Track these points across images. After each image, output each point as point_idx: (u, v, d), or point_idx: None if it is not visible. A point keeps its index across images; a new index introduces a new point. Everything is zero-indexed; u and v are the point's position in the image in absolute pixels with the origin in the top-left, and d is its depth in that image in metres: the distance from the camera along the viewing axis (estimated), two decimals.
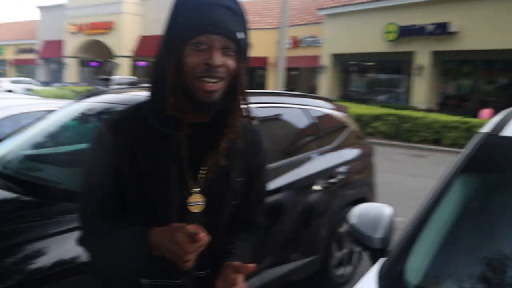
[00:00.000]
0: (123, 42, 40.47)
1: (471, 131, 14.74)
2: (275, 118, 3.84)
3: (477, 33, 20.81)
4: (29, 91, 29.85)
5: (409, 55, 24.31)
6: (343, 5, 27.09)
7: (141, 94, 3.40)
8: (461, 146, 14.35)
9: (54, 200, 2.66)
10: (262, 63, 32.77)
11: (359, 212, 2.05)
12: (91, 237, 1.42)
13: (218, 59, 1.29)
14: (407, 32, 23.64)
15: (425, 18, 22.58)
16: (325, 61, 28.44)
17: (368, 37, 25.23)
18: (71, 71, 44.91)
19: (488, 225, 1.84)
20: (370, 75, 29.50)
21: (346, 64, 29.42)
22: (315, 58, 29.71)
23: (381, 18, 24.54)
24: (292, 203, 3.58)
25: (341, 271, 4.34)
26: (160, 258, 1.30)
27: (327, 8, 28.17)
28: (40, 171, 3.26)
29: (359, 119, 16.92)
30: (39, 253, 2.19)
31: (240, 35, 1.33)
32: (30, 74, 48.25)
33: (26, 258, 2.16)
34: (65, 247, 2.23)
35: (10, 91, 29.66)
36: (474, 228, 1.84)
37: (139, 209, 1.41)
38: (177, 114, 1.35)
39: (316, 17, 30.12)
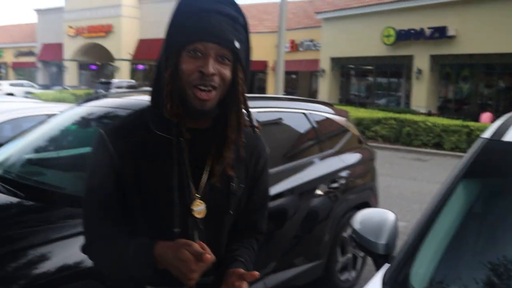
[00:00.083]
0: (122, 45, 40.50)
1: (471, 135, 14.76)
2: (277, 123, 3.84)
3: (475, 37, 20.85)
4: (29, 94, 29.84)
5: (407, 59, 24.36)
6: (340, 9, 27.14)
7: (142, 99, 3.42)
8: (462, 150, 14.42)
9: (56, 205, 2.66)
10: (261, 67, 32.84)
11: (362, 217, 2.05)
12: (94, 245, 1.41)
13: (212, 67, 1.29)
14: (405, 36, 23.70)
15: (424, 22, 22.63)
16: (324, 65, 28.49)
17: (367, 41, 25.27)
18: (71, 74, 44.93)
19: (492, 230, 1.84)
20: (369, 79, 29.57)
21: (345, 68, 29.47)
22: (314, 62, 29.76)
23: (379, 22, 24.59)
24: (294, 208, 3.57)
25: (345, 276, 4.34)
26: (164, 271, 1.30)
27: (325, 12, 28.22)
28: (42, 176, 3.26)
29: (359, 123, 16.95)
30: (43, 258, 2.19)
31: (238, 44, 1.32)
32: (30, 77, 48.26)
33: (30, 263, 2.16)
34: (69, 252, 2.23)
35: (11, 94, 29.67)
36: (478, 233, 1.84)
37: (141, 215, 1.41)
38: (177, 119, 1.35)
39: (315, 21, 30.18)
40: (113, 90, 28.44)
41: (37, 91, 33.52)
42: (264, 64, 32.84)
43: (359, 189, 4.49)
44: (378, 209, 2.13)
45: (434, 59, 23.31)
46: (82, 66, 46.96)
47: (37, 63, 49.38)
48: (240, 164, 1.49)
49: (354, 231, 2.01)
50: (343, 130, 4.61)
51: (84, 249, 1.44)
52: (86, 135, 3.58)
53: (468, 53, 21.83)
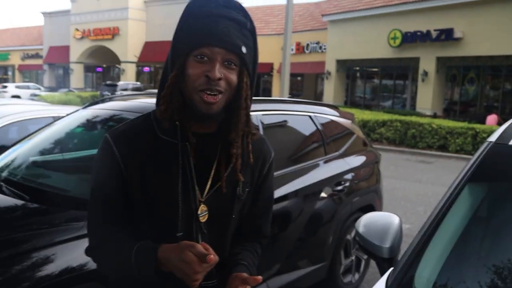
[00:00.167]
0: (128, 47, 40.67)
1: (477, 137, 14.71)
2: (282, 126, 3.84)
3: (481, 39, 20.81)
4: (34, 97, 29.98)
5: (413, 61, 24.34)
6: (347, 12, 27.15)
7: (147, 101, 3.43)
8: (468, 152, 14.37)
9: (61, 208, 2.66)
10: (267, 69, 32.89)
11: (367, 221, 2.04)
12: (99, 248, 1.42)
13: (218, 71, 1.28)
14: (411, 38, 23.68)
15: (430, 24, 22.61)
16: (330, 67, 28.49)
17: (373, 43, 25.27)
18: (77, 77, 45.13)
19: (497, 234, 1.83)
20: (374, 81, 29.57)
21: (351, 70, 29.48)
22: (320, 64, 29.78)
23: (385, 24, 24.59)
24: (298, 210, 3.57)
25: (348, 278, 4.33)
26: (168, 274, 1.30)
27: (331, 14, 28.23)
28: (47, 178, 3.27)
29: (364, 125, 16.94)
30: (47, 261, 2.19)
31: (244, 49, 1.32)
32: (36, 80, 48.54)
33: (34, 266, 2.16)
34: (73, 254, 2.23)
35: (17, 96, 29.80)
36: (483, 237, 1.83)
37: (146, 219, 1.41)
38: (181, 124, 1.36)
39: (321, 23, 30.21)
40: (118, 92, 28.54)
41: (43, 93, 33.68)
42: (269, 66, 32.87)
43: (364, 191, 4.48)
44: (382, 213, 2.12)
45: (440, 61, 23.28)
46: (88, 69, 47.19)
47: (43, 66, 49.63)
48: (246, 168, 1.49)
49: (359, 234, 2.00)
50: (348, 133, 4.61)
51: (88, 252, 1.45)
52: (92, 138, 3.59)
53: (475, 55, 21.79)
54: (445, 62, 23.49)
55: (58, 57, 47.05)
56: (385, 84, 28.84)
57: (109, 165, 1.39)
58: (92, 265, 1.92)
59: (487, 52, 21.09)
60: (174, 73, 1.32)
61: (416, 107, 24.13)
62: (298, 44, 31.37)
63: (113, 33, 41.33)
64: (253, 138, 1.45)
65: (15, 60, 53.27)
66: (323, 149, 4.09)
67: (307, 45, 31.44)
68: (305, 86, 34.54)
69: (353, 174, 4.26)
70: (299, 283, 3.70)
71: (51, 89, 41.35)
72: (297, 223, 3.56)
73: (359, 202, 4.32)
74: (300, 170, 3.71)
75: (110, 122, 3.47)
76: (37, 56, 50.46)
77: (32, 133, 3.80)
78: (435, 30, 22.49)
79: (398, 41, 24.22)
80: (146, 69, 43.68)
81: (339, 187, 4.01)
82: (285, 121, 3.89)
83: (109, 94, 28.18)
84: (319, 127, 4.12)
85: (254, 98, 1.46)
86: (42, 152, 3.56)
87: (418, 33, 23.31)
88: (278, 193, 3.20)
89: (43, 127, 3.82)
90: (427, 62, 23.39)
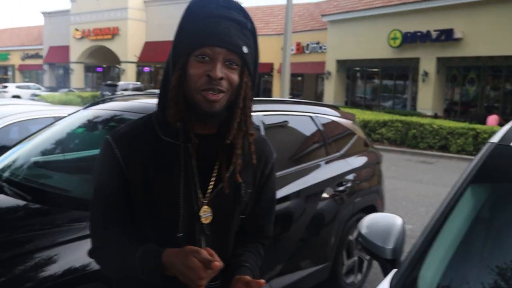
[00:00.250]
0: (128, 47, 40.69)
1: (478, 137, 14.71)
2: (283, 126, 3.84)
3: (482, 40, 20.81)
4: (35, 97, 29.98)
5: (414, 61, 24.34)
6: (347, 12, 27.14)
7: (148, 102, 3.43)
8: (469, 152, 14.38)
9: (63, 208, 2.66)
10: (267, 69, 32.89)
11: (370, 222, 2.04)
12: (101, 250, 1.42)
13: (220, 71, 1.29)
14: (411, 39, 23.68)
15: (430, 24, 22.61)
16: (330, 67, 28.49)
17: (373, 44, 25.27)
18: (77, 77, 45.15)
19: (500, 235, 1.83)
20: (375, 81, 29.57)
21: (351, 70, 29.48)
22: (320, 64, 29.79)
23: (386, 24, 24.58)
24: (300, 211, 3.57)
25: (351, 279, 4.33)
26: (172, 278, 1.29)
27: (331, 14, 28.23)
28: (49, 178, 3.27)
29: (365, 125, 16.94)
30: (49, 261, 2.20)
31: (246, 49, 1.33)
32: (36, 80, 48.54)
33: (37, 266, 2.16)
34: (76, 255, 2.24)
35: (17, 96, 29.80)
36: (486, 238, 1.83)
37: (148, 220, 1.41)
38: (183, 125, 1.35)
39: (321, 23, 30.22)
40: (119, 92, 28.54)
41: (43, 93, 33.67)
42: (269, 66, 32.89)
43: (365, 192, 4.48)
44: (385, 214, 2.12)
45: (441, 61, 23.28)
46: (88, 69, 47.21)
47: (43, 66, 49.64)
48: (248, 169, 1.48)
49: (361, 235, 2.00)
50: (350, 133, 4.61)
51: (91, 254, 1.45)
52: (93, 138, 3.59)
53: (475, 55, 21.79)
54: (445, 63, 23.49)
55: (58, 57, 47.07)
56: (386, 85, 28.84)
57: (110, 167, 1.39)
58: (95, 265, 1.92)
59: (487, 52, 21.08)
60: (176, 74, 1.32)
61: (417, 108, 24.13)
62: (298, 44, 31.38)
63: (113, 33, 41.33)
64: (250, 138, 1.44)
65: (15, 60, 53.29)
66: (325, 150, 4.10)
67: (307, 45, 31.45)
68: (305, 86, 34.55)
69: (354, 174, 4.26)
70: (302, 284, 3.70)
71: (51, 89, 41.37)
72: (299, 224, 3.56)
73: (361, 202, 4.32)
74: (302, 170, 3.71)
75: (111, 122, 3.48)
76: (37, 56, 50.47)
77: (33, 134, 3.80)
78: (435, 31, 22.49)
79: (398, 42, 24.22)
80: (146, 69, 43.70)
81: (341, 188, 4.01)
82: (286, 121, 3.89)
83: (109, 94, 28.17)
84: (320, 127, 4.12)
85: (255, 98, 1.45)
86: (44, 153, 3.56)
87: (418, 34, 23.30)
88: (280, 193, 3.20)
89: (44, 128, 3.82)
90: (427, 63, 23.39)
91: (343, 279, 4.20)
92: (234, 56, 1.31)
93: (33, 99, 24.79)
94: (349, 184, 4.13)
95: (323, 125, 4.18)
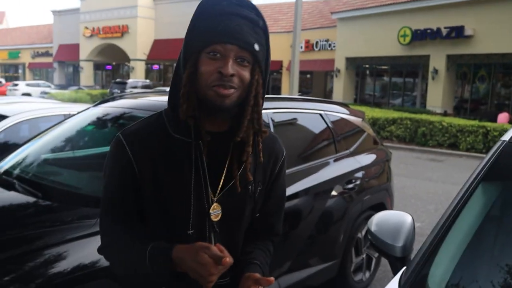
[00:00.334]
0: (137, 45, 40.77)
1: (488, 135, 14.61)
2: (293, 123, 3.84)
3: (492, 37, 20.64)
4: (45, 94, 30.16)
5: (423, 58, 24.19)
6: (356, 9, 27.03)
7: (157, 99, 3.44)
8: (478, 150, 14.28)
9: (72, 205, 2.68)
10: (276, 66, 32.85)
11: (379, 219, 2.04)
12: (111, 247, 1.42)
13: (231, 68, 1.29)
14: (421, 36, 23.52)
15: (440, 21, 22.45)
16: (339, 64, 28.40)
17: (382, 41, 25.15)
18: (86, 75, 45.35)
19: (511, 233, 1.81)
20: (384, 79, 29.43)
21: (360, 68, 29.37)
22: (329, 61, 29.70)
23: (395, 21, 24.45)
24: (309, 208, 3.57)
25: (359, 276, 4.32)
26: (182, 274, 1.30)
27: (340, 12, 28.13)
28: (59, 176, 3.29)
29: (374, 123, 16.88)
30: (59, 258, 2.21)
31: (257, 46, 1.33)
32: (46, 78, 48.82)
33: (47, 263, 2.17)
34: (85, 251, 2.24)
35: (28, 94, 29.99)
36: (497, 236, 1.82)
37: (158, 217, 1.41)
38: (194, 122, 1.35)
39: (330, 21, 30.12)
40: (128, 90, 28.63)
41: (53, 91, 33.86)
42: (279, 63, 32.85)
43: (375, 190, 4.46)
44: (395, 211, 2.11)
45: (451, 59, 23.12)
46: (98, 67, 47.41)
47: (53, 64, 49.91)
48: (258, 167, 1.48)
49: (371, 233, 1.99)
50: (359, 131, 4.59)
51: (101, 250, 1.45)
52: (103, 135, 3.61)
53: (486, 53, 21.61)
54: (455, 60, 23.33)
55: (68, 55, 47.29)
56: (395, 82, 28.71)
57: (121, 164, 1.39)
58: (104, 262, 1.92)
59: (498, 49, 20.91)
60: (188, 71, 1.32)
61: (426, 105, 23.99)
62: (307, 41, 31.30)
63: (122, 31, 41.44)
64: (263, 136, 1.44)
65: (26, 58, 53.60)
66: (334, 147, 4.09)
67: (316, 42, 31.36)
68: (314, 83, 34.48)
69: (364, 172, 4.25)
70: (310, 281, 3.70)
71: (61, 87, 41.54)
72: (308, 221, 3.56)
73: (370, 200, 4.31)
74: (311, 168, 3.71)
75: (121, 120, 3.49)
76: (47, 54, 50.74)
77: (44, 131, 3.82)
78: (445, 28, 22.33)
79: (408, 39, 24.07)
80: (155, 67, 43.80)
81: (350, 185, 4.00)
82: (296, 119, 3.88)
83: (118, 92, 28.29)
84: (330, 125, 4.11)
85: (266, 96, 1.45)
86: (54, 150, 3.58)
87: (428, 31, 23.15)
88: (289, 191, 3.18)
89: (54, 125, 3.84)
90: (437, 60, 23.24)
91: (352, 276, 4.20)
92: (246, 54, 1.31)
93: (43, 97, 24.94)
94: (358, 182, 4.11)
95: (333, 122, 4.17)
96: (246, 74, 1.33)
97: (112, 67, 47.90)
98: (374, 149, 4.74)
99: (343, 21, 27.96)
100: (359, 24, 26.68)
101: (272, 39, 1.39)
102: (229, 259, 1.21)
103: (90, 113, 3.74)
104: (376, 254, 4.47)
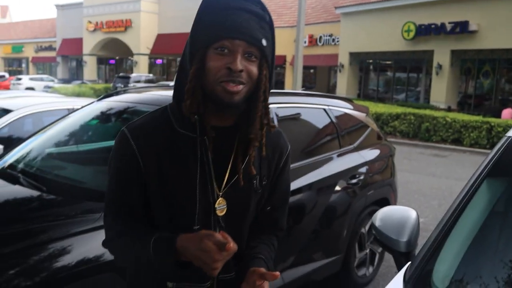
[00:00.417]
0: (141, 40, 40.75)
1: (492, 131, 14.57)
2: (297, 118, 3.84)
3: (497, 32, 20.54)
4: (48, 89, 30.19)
5: (427, 54, 24.11)
6: (360, 4, 26.93)
7: (161, 94, 3.44)
8: (482, 146, 14.24)
9: (77, 199, 2.68)
10: (279, 61, 32.77)
11: (384, 215, 2.03)
12: (115, 240, 1.42)
13: (240, 63, 1.28)
14: (425, 31, 23.43)
15: (444, 16, 22.35)
16: (343, 59, 28.33)
17: (386, 36, 25.06)
18: (90, 69, 45.35)
19: None
20: (388, 74, 29.36)
21: (364, 63, 29.30)
22: (333, 56, 29.62)
23: (399, 16, 24.35)
24: (313, 203, 3.57)
25: (362, 271, 4.33)
26: (186, 263, 1.30)
27: (344, 6, 28.03)
28: (63, 170, 3.30)
29: (377, 118, 16.85)
30: (64, 252, 2.22)
31: (265, 41, 1.33)
32: (49, 72, 48.85)
33: (52, 256, 2.18)
34: (90, 245, 2.25)
35: (32, 88, 30.04)
36: (501, 232, 1.81)
37: (164, 212, 1.41)
38: (199, 117, 1.35)
39: (334, 16, 30.01)
40: (131, 84, 28.65)
41: (56, 85, 33.89)
42: (282, 58, 32.77)
43: (378, 185, 4.46)
44: (399, 207, 2.11)
45: (455, 54, 23.04)
46: (101, 61, 47.42)
47: (56, 58, 49.94)
48: (263, 161, 1.48)
49: (375, 228, 1.99)
50: (363, 126, 4.59)
51: (105, 244, 1.45)
52: (107, 130, 3.62)
53: (490, 48, 21.53)
54: (459, 55, 23.25)
55: (71, 50, 47.30)
56: (399, 77, 28.64)
57: (126, 158, 1.39)
58: (109, 256, 1.93)
59: (502, 45, 20.81)
60: (195, 67, 1.32)
61: (430, 100, 23.93)
62: (311, 36, 31.22)
63: (126, 25, 41.40)
64: (271, 130, 1.44)
65: (29, 52, 53.63)
66: (338, 142, 4.08)
67: (320, 37, 31.27)
68: (318, 78, 34.42)
69: (367, 167, 4.25)
70: (314, 276, 3.71)
71: (64, 81, 41.55)
72: (311, 216, 3.56)
73: (373, 195, 4.31)
74: (315, 163, 3.71)
75: (125, 114, 3.49)
76: (50, 48, 50.75)
77: (48, 125, 3.83)
78: (449, 23, 22.23)
79: (412, 34, 23.98)
80: (159, 61, 43.81)
81: (354, 180, 4.00)
82: (300, 114, 3.88)
83: (122, 86, 28.31)
84: (334, 120, 4.11)
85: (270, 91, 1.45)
86: (58, 144, 3.59)
87: (433, 26, 23.05)
88: (293, 185, 3.16)
89: (58, 119, 3.85)
90: (441, 55, 23.15)
91: (355, 271, 4.20)
92: (253, 49, 1.31)
93: (46, 91, 24.96)
94: (362, 177, 4.11)
95: (337, 117, 4.16)
96: (254, 69, 1.33)
97: (115, 62, 47.91)
98: (378, 144, 4.73)
99: (347, 16, 27.86)
100: (363, 19, 26.59)
101: (276, 33, 1.39)
102: (233, 245, 1.21)
103: (94, 107, 3.74)
104: (380, 249, 4.48)
